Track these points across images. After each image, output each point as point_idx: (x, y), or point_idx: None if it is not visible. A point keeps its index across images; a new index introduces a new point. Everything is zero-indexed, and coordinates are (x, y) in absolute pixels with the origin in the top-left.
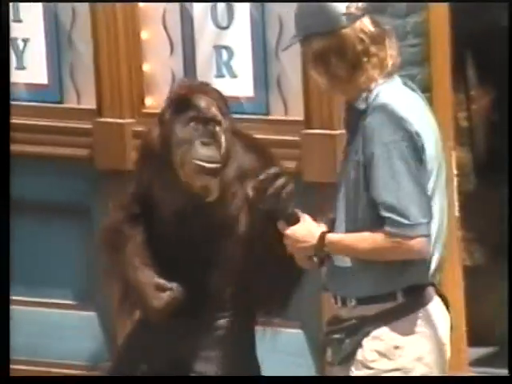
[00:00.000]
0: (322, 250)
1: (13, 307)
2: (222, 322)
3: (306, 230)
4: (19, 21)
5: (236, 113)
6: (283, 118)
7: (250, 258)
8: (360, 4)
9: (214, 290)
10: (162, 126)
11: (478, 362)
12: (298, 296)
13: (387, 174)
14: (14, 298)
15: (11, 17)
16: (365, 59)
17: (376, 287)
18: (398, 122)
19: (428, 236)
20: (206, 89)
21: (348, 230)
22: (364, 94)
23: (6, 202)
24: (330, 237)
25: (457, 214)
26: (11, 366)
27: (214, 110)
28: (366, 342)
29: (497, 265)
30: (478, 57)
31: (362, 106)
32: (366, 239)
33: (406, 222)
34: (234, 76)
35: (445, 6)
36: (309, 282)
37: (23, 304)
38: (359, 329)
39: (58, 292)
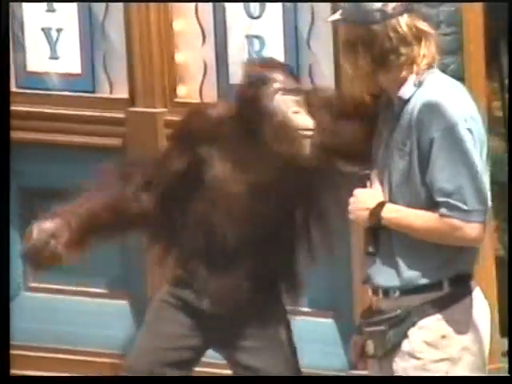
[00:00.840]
0: (377, 217)
1: (48, 295)
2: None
3: (370, 194)
4: (53, 10)
5: None
6: None
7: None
8: (399, 4)
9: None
10: (242, 102)
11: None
12: (329, 285)
13: (445, 159)
14: (49, 286)
15: (45, 6)
16: (392, 57)
17: (423, 277)
18: (451, 108)
19: (483, 223)
20: (275, 63)
21: None
22: (407, 84)
23: (6, 195)
24: (389, 206)
25: (490, 203)
26: (52, 355)
27: (293, 80)
28: (412, 332)
29: None
30: None
31: (405, 95)
32: (422, 217)
33: (463, 207)
34: None
35: None
36: (341, 271)
37: (59, 292)
38: (404, 320)
39: (93, 280)
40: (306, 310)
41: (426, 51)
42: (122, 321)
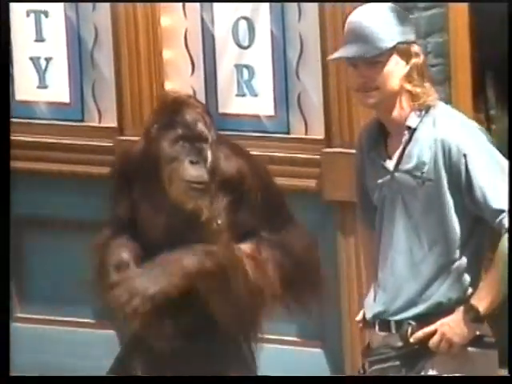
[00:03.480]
0: (480, 320)
1: (34, 326)
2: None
3: (450, 319)
4: (42, 40)
5: (257, 131)
6: (304, 136)
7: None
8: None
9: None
10: (148, 141)
11: None
12: (317, 314)
13: (490, 169)
14: (36, 316)
15: (34, 36)
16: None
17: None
18: (473, 126)
19: None
20: (191, 102)
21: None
22: (414, 113)
23: (7, 219)
24: (474, 300)
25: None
26: None
27: (201, 126)
28: (428, 365)
29: None
30: (498, 77)
31: (413, 125)
32: (500, 257)
33: None
34: (254, 95)
35: (465, 25)
36: (328, 300)
37: (46, 323)
38: (418, 353)
39: (78, 310)
40: (294, 339)
41: (428, 85)
42: (110, 351)
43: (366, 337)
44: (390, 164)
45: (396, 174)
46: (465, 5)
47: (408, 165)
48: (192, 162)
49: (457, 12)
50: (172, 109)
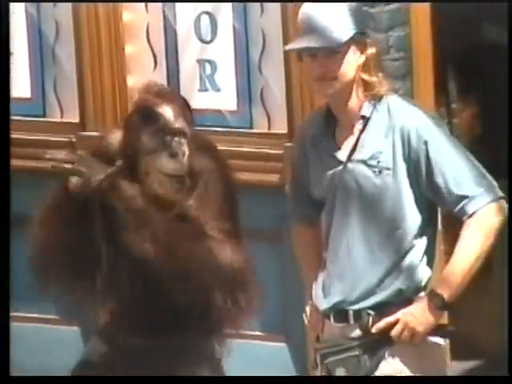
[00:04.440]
0: (443, 307)
1: (28, 324)
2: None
3: (413, 309)
4: None
5: (219, 126)
6: (266, 131)
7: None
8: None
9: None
10: (127, 131)
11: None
12: (283, 309)
13: (451, 156)
14: (28, 315)
15: None
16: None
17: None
18: (426, 113)
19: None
20: (172, 96)
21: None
22: (368, 103)
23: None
24: (438, 283)
25: (440, 227)
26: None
27: (181, 121)
28: (391, 353)
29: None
30: (460, 70)
31: (367, 114)
32: (469, 241)
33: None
34: (217, 90)
35: (427, 20)
36: (292, 295)
37: (39, 321)
38: (380, 342)
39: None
40: (258, 333)
41: (382, 75)
42: (74, 347)
43: (317, 329)
44: (342, 154)
45: (349, 165)
46: None
47: (362, 154)
48: (171, 156)
49: (418, 6)
50: (153, 101)
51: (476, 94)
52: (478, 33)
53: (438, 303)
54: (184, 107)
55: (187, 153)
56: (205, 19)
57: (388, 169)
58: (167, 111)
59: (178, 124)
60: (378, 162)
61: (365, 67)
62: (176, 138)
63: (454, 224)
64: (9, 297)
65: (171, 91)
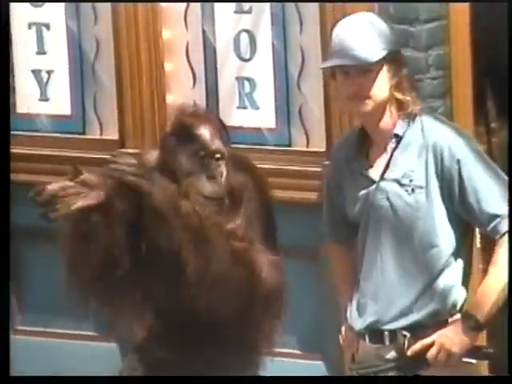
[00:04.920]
0: (479, 328)
1: (35, 338)
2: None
3: (447, 331)
4: (43, 53)
5: (258, 144)
6: (305, 149)
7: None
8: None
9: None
10: (165, 152)
11: None
12: (319, 327)
13: (483, 174)
14: (35, 329)
15: (35, 48)
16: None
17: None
18: (459, 130)
19: None
20: (208, 117)
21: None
22: (401, 121)
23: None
24: (472, 306)
25: (478, 245)
26: None
27: (218, 142)
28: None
29: None
30: (499, 89)
31: (400, 133)
32: (501, 263)
33: None
34: (256, 107)
35: (466, 38)
36: (329, 313)
37: (46, 335)
38: (415, 363)
39: (79, 323)
40: (294, 351)
41: (416, 94)
42: (111, 363)
43: (352, 349)
44: (375, 173)
45: (381, 184)
46: (465, 17)
47: (395, 173)
48: (209, 178)
49: (457, 24)
50: (190, 122)
51: None
52: None
53: (471, 324)
54: (220, 127)
55: (225, 173)
56: (244, 37)
57: (421, 187)
58: (204, 132)
59: (215, 145)
60: (411, 180)
61: (398, 86)
62: (214, 160)
63: (492, 243)
64: (8, 296)
65: (207, 112)
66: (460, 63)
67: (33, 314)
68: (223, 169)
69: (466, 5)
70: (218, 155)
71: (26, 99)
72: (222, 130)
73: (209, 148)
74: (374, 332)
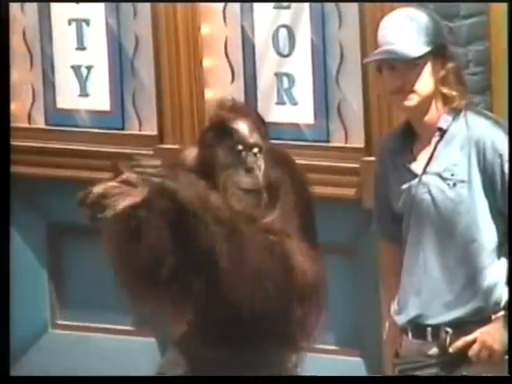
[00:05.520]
0: None
1: (76, 333)
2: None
3: (489, 329)
4: (83, 48)
5: (297, 140)
6: (343, 145)
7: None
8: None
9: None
10: (203, 147)
11: None
12: (357, 324)
13: None
14: (76, 323)
15: (75, 44)
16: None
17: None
18: (503, 125)
19: None
20: (246, 111)
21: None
22: (446, 115)
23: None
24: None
25: None
26: None
27: (256, 136)
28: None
29: None
30: None
31: (444, 126)
32: None
33: None
34: (294, 103)
35: (506, 34)
36: (367, 309)
37: (86, 330)
38: (457, 359)
39: (119, 317)
40: (332, 347)
41: (462, 88)
42: (150, 358)
43: (395, 344)
44: (418, 167)
45: (424, 177)
46: (504, 12)
47: (437, 167)
48: (247, 171)
49: (497, 20)
50: (228, 117)
51: None
52: None
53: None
54: (258, 121)
55: (263, 167)
56: (283, 32)
57: (463, 181)
58: (242, 126)
59: (253, 139)
60: (453, 174)
61: (445, 81)
62: (251, 153)
63: None
64: (8, 296)
65: (244, 106)
66: (499, 59)
67: (73, 309)
68: (261, 162)
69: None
70: (255, 149)
71: (65, 95)
72: (261, 124)
73: (246, 142)
74: (417, 327)
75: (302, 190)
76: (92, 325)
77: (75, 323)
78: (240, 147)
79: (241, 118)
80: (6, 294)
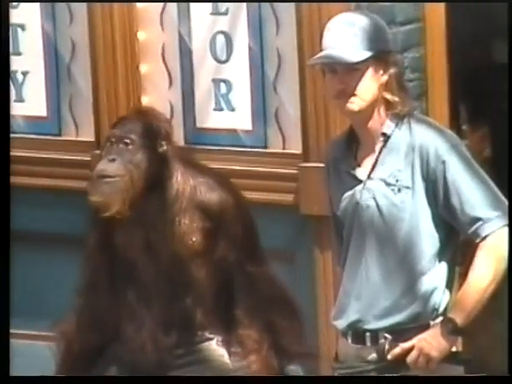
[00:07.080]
0: (458, 333)
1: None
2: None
3: (428, 335)
4: (19, 53)
5: (234, 146)
6: (281, 151)
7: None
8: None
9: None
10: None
11: None
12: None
13: (468, 177)
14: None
15: (11, 49)
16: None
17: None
18: (446, 132)
19: None
20: (134, 111)
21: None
22: (389, 121)
23: (7, 235)
24: (453, 312)
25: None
26: None
27: (128, 131)
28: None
29: None
30: (470, 92)
31: (388, 132)
32: (482, 266)
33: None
34: (232, 109)
35: (442, 40)
36: (306, 314)
37: (32, 338)
38: (396, 370)
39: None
40: None
41: (405, 95)
42: None
43: (335, 347)
44: (362, 173)
45: (368, 183)
46: (441, 19)
47: (382, 172)
48: (110, 160)
49: (433, 27)
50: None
51: (486, 115)
52: (489, 54)
53: (450, 328)
54: (165, 121)
55: (135, 158)
56: (220, 38)
57: (407, 187)
58: (122, 122)
59: (123, 132)
60: (397, 180)
61: (387, 86)
62: (120, 145)
63: (471, 247)
64: (8, 296)
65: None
66: (435, 65)
67: (21, 318)
68: (131, 153)
69: (442, 7)
70: (124, 140)
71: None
72: (165, 123)
73: (117, 134)
74: (356, 332)
75: (244, 215)
76: (38, 333)
77: (21, 332)
78: (111, 141)
79: (123, 119)
80: (6, 295)
